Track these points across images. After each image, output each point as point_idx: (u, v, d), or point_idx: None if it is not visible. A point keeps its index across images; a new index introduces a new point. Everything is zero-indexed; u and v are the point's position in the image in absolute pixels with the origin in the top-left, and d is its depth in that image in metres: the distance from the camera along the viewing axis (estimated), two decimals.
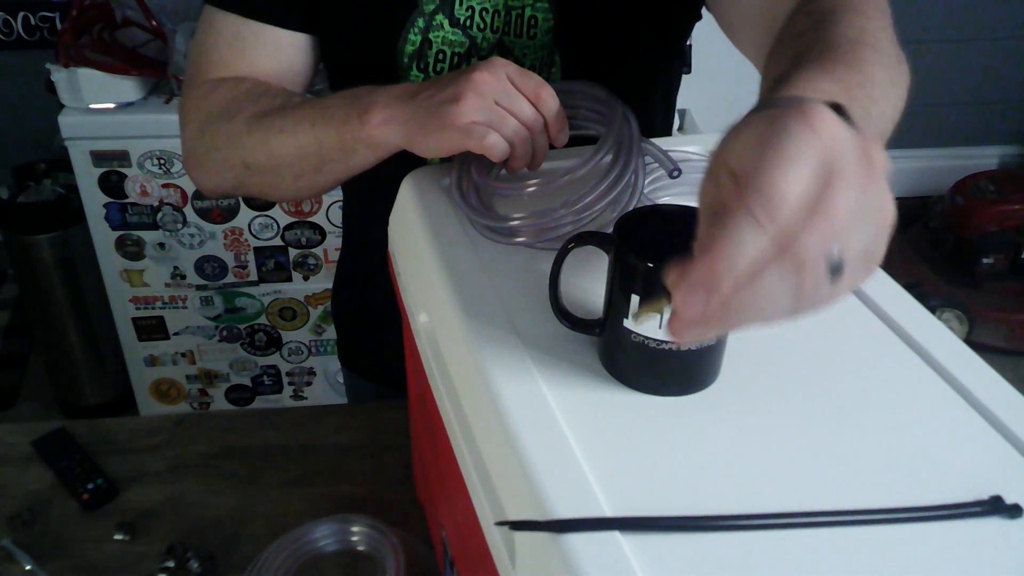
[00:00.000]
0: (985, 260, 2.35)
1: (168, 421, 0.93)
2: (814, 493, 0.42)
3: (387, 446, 0.89)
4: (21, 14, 2.18)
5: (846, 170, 0.34)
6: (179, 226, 1.80)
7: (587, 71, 0.69)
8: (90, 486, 0.84)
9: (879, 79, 0.51)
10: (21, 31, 2.19)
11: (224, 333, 1.96)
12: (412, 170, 0.70)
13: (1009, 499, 0.41)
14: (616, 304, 0.48)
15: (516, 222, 0.59)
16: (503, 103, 0.60)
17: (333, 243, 1.85)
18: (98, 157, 1.71)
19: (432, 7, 0.75)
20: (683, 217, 0.49)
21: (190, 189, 1.76)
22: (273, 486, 0.85)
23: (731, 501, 0.41)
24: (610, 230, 0.49)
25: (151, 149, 1.71)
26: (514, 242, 0.60)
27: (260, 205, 1.80)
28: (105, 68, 1.66)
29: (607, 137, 0.61)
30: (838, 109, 0.41)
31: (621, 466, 0.43)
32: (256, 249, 1.85)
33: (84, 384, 2.12)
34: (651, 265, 0.45)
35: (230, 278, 1.88)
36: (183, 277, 1.87)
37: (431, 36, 0.76)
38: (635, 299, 0.46)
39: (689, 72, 1.84)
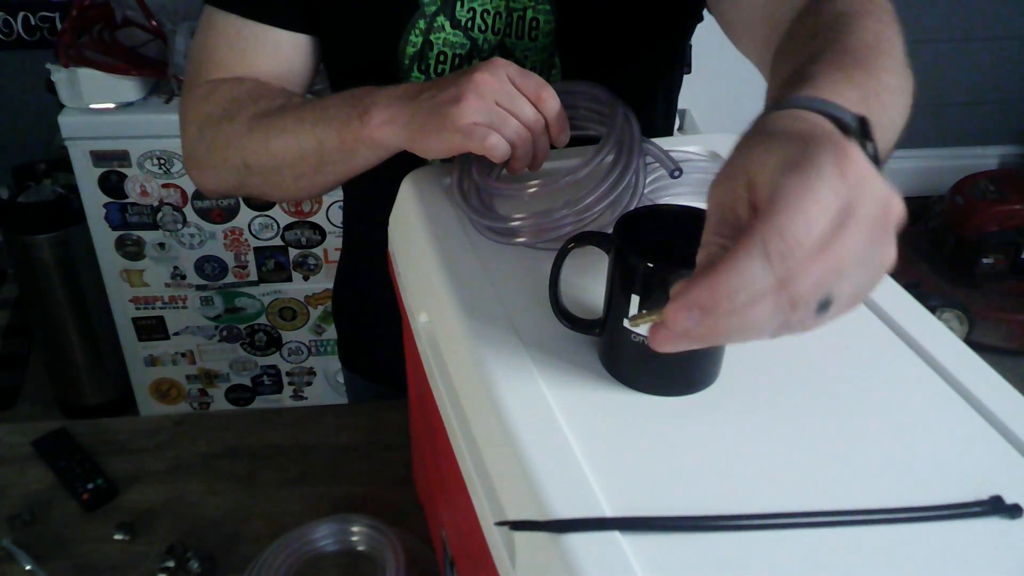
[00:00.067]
0: (985, 260, 2.36)
1: (168, 421, 0.93)
2: (814, 493, 0.42)
3: (387, 446, 0.89)
4: (21, 14, 2.18)
5: (862, 218, 0.35)
6: (179, 226, 1.80)
7: (588, 73, 0.69)
8: (90, 486, 0.84)
9: (892, 86, 0.51)
10: (21, 31, 2.19)
11: (224, 333, 1.96)
12: (412, 170, 0.70)
13: (1009, 499, 0.42)
14: (616, 304, 0.48)
15: (517, 223, 0.59)
16: (504, 104, 0.60)
17: (333, 243, 1.85)
18: (98, 157, 1.71)
19: (433, 8, 0.75)
20: (683, 217, 0.49)
21: (190, 189, 1.76)
22: (273, 486, 0.85)
23: (731, 501, 0.41)
24: (611, 230, 0.49)
25: (151, 149, 1.71)
26: (515, 242, 0.60)
27: (260, 205, 1.80)
28: (105, 68, 1.65)
29: (608, 138, 0.61)
30: (863, 123, 0.41)
31: (621, 466, 0.43)
32: (256, 249, 1.85)
33: (84, 384, 2.12)
34: (651, 265, 0.45)
35: (230, 278, 1.88)
36: (183, 277, 1.87)
37: (432, 38, 0.76)
38: (635, 299, 0.46)
39: (689, 72, 1.84)
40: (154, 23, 1.72)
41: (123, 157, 1.71)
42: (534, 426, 0.44)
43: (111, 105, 1.69)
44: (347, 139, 0.67)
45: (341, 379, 1.42)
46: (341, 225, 1.69)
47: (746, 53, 0.72)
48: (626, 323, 0.47)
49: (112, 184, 1.74)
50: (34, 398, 2.25)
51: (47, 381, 2.19)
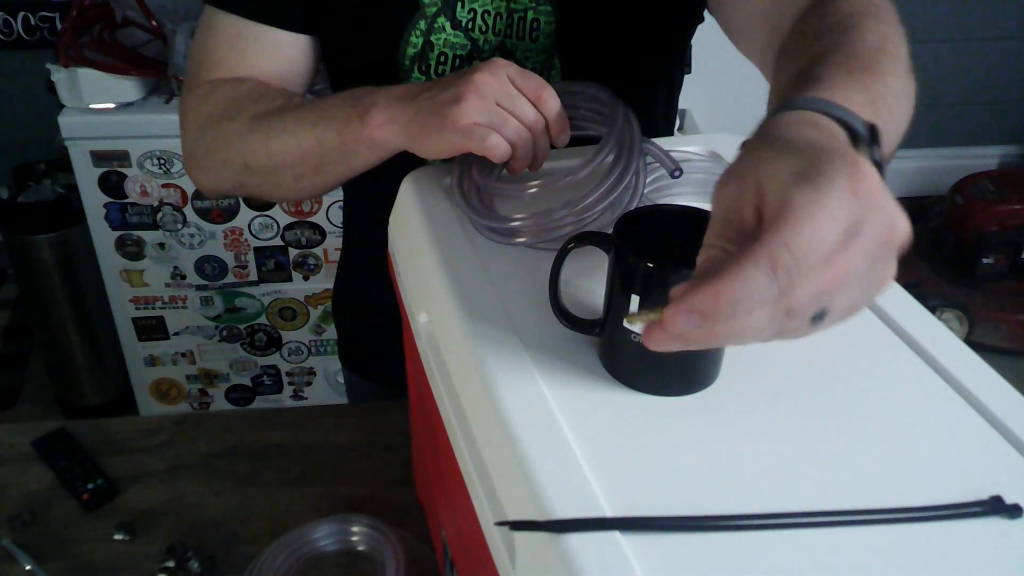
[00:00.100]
0: (985, 260, 2.36)
1: (168, 421, 0.93)
2: (814, 493, 0.42)
3: (387, 446, 0.89)
4: (21, 14, 2.18)
5: (868, 237, 0.35)
6: (179, 226, 1.80)
7: (588, 73, 0.69)
8: (90, 486, 0.84)
9: (897, 90, 0.51)
10: (21, 31, 2.19)
11: (224, 333, 1.96)
12: (412, 170, 0.70)
13: (1009, 499, 0.42)
14: (616, 304, 0.48)
15: (517, 223, 0.59)
16: (504, 104, 0.60)
17: (333, 243, 1.85)
18: (98, 157, 1.71)
19: (434, 9, 0.75)
20: (683, 217, 0.49)
21: (190, 189, 1.76)
22: (273, 486, 0.85)
23: (731, 501, 0.41)
24: (611, 230, 0.49)
25: (151, 149, 1.71)
26: (515, 242, 0.60)
27: (260, 205, 1.80)
28: (105, 68, 1.65)
29: (608, 138, 0.61)
30: (872, 130, 0.41)
31: (621, 466, 0.43)
32: (256, 249, 1.85)
33: (84, 384, 2.12)
34: (651, 265, 0.45)
35: (230, 278, 1.88)
36: (183, 277, 1.87)
37: (433, 38, 0.76)
38: (635, 299, 0.46)
39: (690, 72, 1.84)
40: (154, 23, 1.72)
41: (123, 157, 1.71)
42: (534, 426, 0.44)
43: (111, 105, 1.69)
44: (347, 139, 0.67)
45: (341, 379, 1.42)
46: (341, 225, 1.69)
47: (747, 53, 0.72)
48: (626, 323, 0.47)
49: (112, 184, 1.74)
50: (34, 398, 2.25)
51: (47, 381, 2.19)
